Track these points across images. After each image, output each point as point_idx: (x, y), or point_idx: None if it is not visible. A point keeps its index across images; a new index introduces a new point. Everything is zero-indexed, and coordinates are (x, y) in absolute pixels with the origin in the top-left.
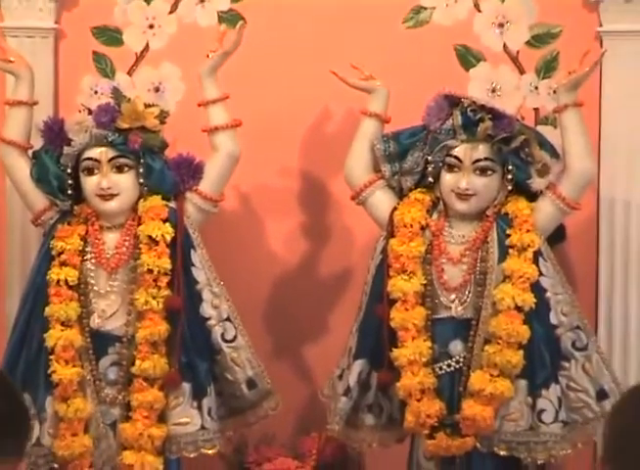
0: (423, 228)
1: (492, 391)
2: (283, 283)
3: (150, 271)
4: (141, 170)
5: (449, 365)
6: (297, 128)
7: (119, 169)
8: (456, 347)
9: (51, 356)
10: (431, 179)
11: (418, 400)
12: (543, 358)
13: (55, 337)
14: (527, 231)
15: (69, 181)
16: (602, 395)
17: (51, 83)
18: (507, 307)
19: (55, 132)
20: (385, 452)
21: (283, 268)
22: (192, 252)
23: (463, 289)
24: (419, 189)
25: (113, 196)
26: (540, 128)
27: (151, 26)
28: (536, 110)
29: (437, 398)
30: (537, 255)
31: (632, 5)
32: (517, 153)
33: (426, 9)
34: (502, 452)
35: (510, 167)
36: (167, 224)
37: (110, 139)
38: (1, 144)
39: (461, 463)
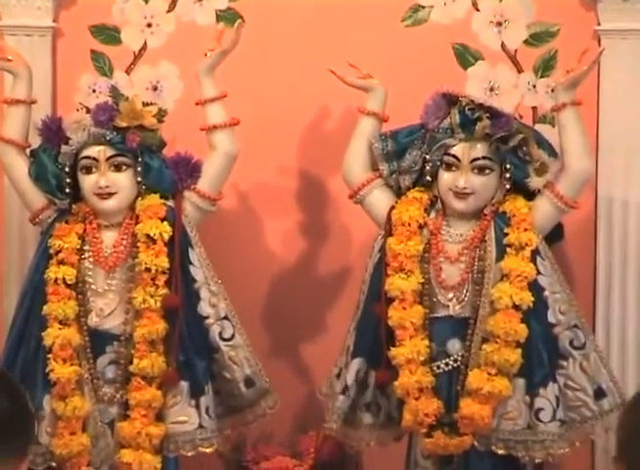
0: (421, 227)
1: (490, 389)
2: (281, 282)
3: (148, 270)
4: (139, 169)
5: (447, 364)
6: (295, 127)
7: (117, 168)
8: (454, 345)
9: (49, 355)
10: (428, 178)
11: (416, 399)
12: (541, 357)
13: (53, 335)
14: (525, 230)
15: (68, 180)
16: (600, 393)
17: (49, 82)
18: (505, 306)
19: (53, 131)
20: (382, 451)
21: (281, 267)
22: (190, 250)
23: (461, 288)
24: (417, 188)
25: (111, 194)
26: (538, 127)
27: (149, 25)
28: (534, 108)
29: (435, 396)
30: (535, 253)
31: (630, 4)
32: (515, 152)
33: (424, 7)
34: (500, 451)
35: (508, 166)
36: (165, 223)
37: (108, 138)
38: None
39: (459, 462)
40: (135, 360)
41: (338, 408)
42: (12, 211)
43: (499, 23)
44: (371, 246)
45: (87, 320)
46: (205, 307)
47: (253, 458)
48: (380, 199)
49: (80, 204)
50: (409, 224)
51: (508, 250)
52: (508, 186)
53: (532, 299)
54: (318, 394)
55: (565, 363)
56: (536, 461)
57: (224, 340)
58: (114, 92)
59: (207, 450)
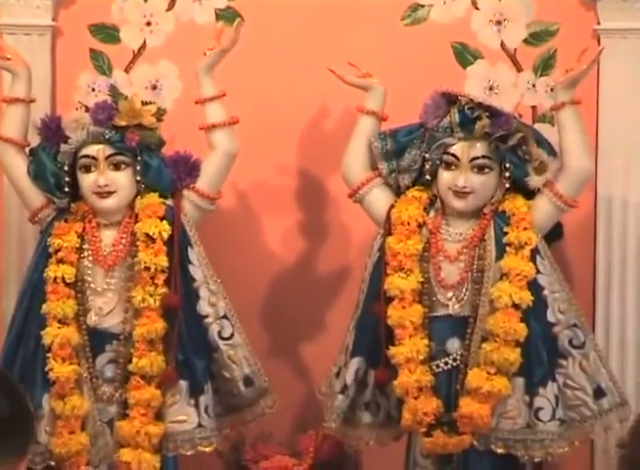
0: (420, 226)
1: (489, 389)
2: (280, 281)
3: (147, 269)
4: (138, 168)
5: (446, 363)
6: (294, 126)
7: (116, 167)
8: (453, 344)
9: (48, 354)
10: (428, 177)
11: (415, 398)
12: (540, 356)
13: (52, 334)
14: (525, 229)
15: (67, 179)
16: (599, 393)
17: (48, 81)
18: (504, 305)
19: (52, 130)
20: (382, 450)
21: (280, 266)
22: (189, 249)
23: (460, 287)
24: (416, 187)
25: (110, 193)
26: (538, 126)
27: (148, 24)
28: (534, 107)
29: (435, 395)
30: (534, 252)
31: (630, 3)
32: (514, 151)
33: (423, 6)
34: (499, 450)
35: (507, 165)
36: (164, 222)
37: (107, 137)
38: None
39: (458, 461)
40: (134, 359)
41: (337, 408)
42: (11, 209)
43: (499, 22)
44: (370, 245)
45: (86, 319)
46: (204, 307)
47: (253, 457)
48: (379, 198)
49: (79, 202)
50: (408, 223)
51: (507, 249)
52: (507, 185)
53: (532, 298)
54: (317, 393)
55: (564, 362)
56: (536, 460)
57: (223, 339)
58: (114, 91)
59: (207, 450)
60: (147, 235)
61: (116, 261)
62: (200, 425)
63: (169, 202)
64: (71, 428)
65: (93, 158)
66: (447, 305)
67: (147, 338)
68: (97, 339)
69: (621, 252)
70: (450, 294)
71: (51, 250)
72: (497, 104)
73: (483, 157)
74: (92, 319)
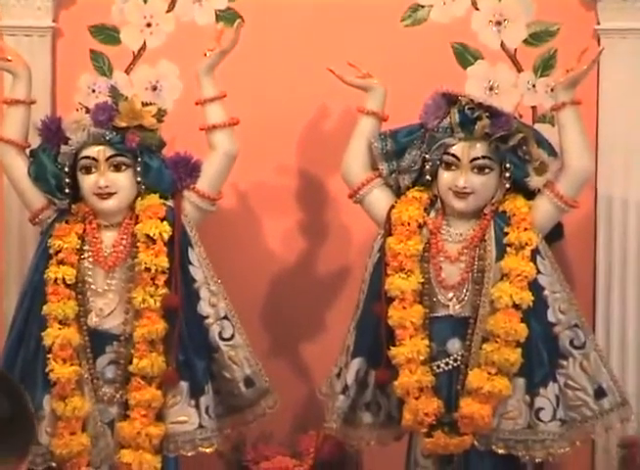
0: (420, 226)
1: (490, 389)
2: (281, 281)
3: (147, 270)
4: (138, 169)
5: (447, 364)
6: (294, 126)
7: (117, 168)
8: (454, 345)
9: (49, 355)
10: (428, 177)
11: (416, 399)
12: (541, 357)
13: (52, 335)
14: (525, 229)
15: (67, 180)
16: (600, 393)
17: (48, 82)
18: (505, 306)
19: (52, 131)
20: (383, 451)
21: (280, 267)
22: (189, 250)
23: (461, 287)
24: (416, 187)
25: (110, 194)
26: (538, 126)
27: (148, 25)
28: (534, 108)
29: (435, 396)
30: (535, 253)
31: (630, 3)
32: (514, 151)
33: (423, 7)
34: (500, 451)
35: (508, 166)
36: (165, 223)
37: (107, 138)
38: None
39: (459, 462)
40: (135, 360)
41: (338, 408)
42: (11, 211)
43: (499, 23)
44: (371, 245)
45: (87, 320)
46: (204, 307)
47: (253, 458)
48: (379, 198)
49: (80, 204)
50: (409, 224)
51: (508, 249)
52: (508, 185)
53: (532, 298)
54: (318, 393)
55: (565, 363)
56: (537, 461)
57: (224, 340)
58: (114, 92)
59: (207, 450)
60: (147, 236)
61: (117, 262)
62: (200, 426)
63: (170, 203)
64: (72, 429)
65: (93, 159)
66: (448, 306)
67: (147, 339)
68: (98, 340)
69: (622, 252)
70: (451, 294)
71: (51, 251)
72: (497, 104)
73: (484, 157)
74: (93, 320)
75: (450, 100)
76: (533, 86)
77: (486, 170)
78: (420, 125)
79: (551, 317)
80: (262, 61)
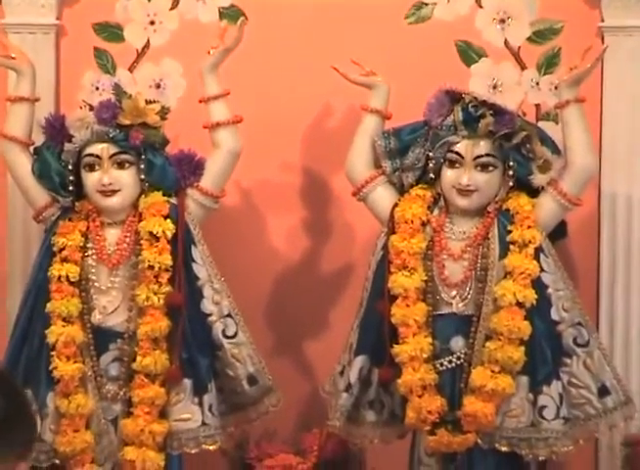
0: (424, 224)
1: (493, 387)
2: (284, 279)
3: (151, 267)
4: (142, 167)
5: (450, 361)
6: (298, 124)
7: (120, 166)
8: (457, 343)
9: (52, 353)
10: (432, 175)
11: (419, 397)
12: (544, 355)
13: (56, 333)
14: (529, 227)
15: (71, 177)
16: (603, 391)
17: (52, 79)
18: (508, 304)
19: (56, 128)
20: (386, 449)
21: (284, 264)
22: (193, 248)
23: (464, 285)
24: (420, 185)
25: (114, 192)
26: (542, 124)
27: (152, 23)
28: (538, 106)
29: (439, 394)
30: (538, 251)
31: (634, 1)
32: (518, 149)
33: (427, 5)
34: (503, 449)
35: (511, 163)
36: (168, 220)
37: (111, 135)
38: (3, 140)
39: (462, 460)
40: (138, 358)
41: (341, 406)
42: (15, 208)
43: (502, 21)
44: (374, 243)
45: (90, 318)
46: (208, 305)
47: (257, 456)
48: (383, 196)
49: (83, 201)
50: (412, 222)
51: (511, 247)
52: (511, 183)
53: (536, 296)
54: (321, 391)
55: (568, 361)
56: (540, 459)
57: (227, 337)
58: (118, 90)
59: (211, 448)
60: (151, 234)
61: (121, 260)
62: (204, 423)
63: (173, 200)
64: (76, 426)
65: (97, 156)
66: (451, 304)
67: (151, 336)
68: (101, 337)
69: (626, 249)
70: (454, 292)
71: (55, 249)
72: (501, 102)
73: (487, 155)
74: (96, 318)
75: (454, 98)
76: (537, 84)
77: (490, 168)
78: (423, 123)
79: (554, 315)
80: (266, 58)
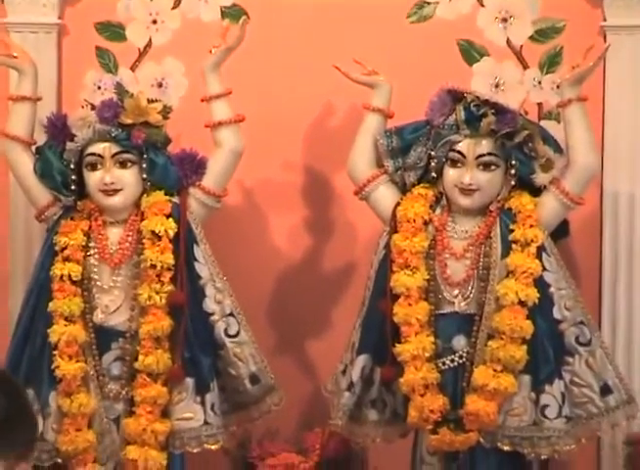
0: (426, 223)
1: (496, 386)
2: (286, 278)
3: (153, 267)
4: (144, 166)
5: (453, 360)
6: (300, 123)
7: (123, 165)
8: (459, 342)
9: (55, 352)
10: (434, 174)
11: (421, 396)
12: (547, 354)
13: (58, 332)
14: (531, 226)
15: (73, 177)
16: (606, 390)
17: (54, 79)
18: (510, 303)
19: (58, 128)
20: (388, 448)
21: (286, 263)
22: (195, 247)
23: (466, 284)
24: (422, 184)
25: (116, 191)
26: (544, 123)
27: (154, 22)
28: (540, 104)
29: (441, 393)
30: (541, 250)
31: (636, 0)
32: (520, 148)
33: (429, 4)
34: (506, 448)
35: (513, 162)
36: (170, 220)
37: (113, 134)
38: (5, 139)
39: (464, 458)
40: (140, 357)
41: (343, 405)
42: (17, 207)
43: (504, 19)
44: (376, 242)
45: (93, 317)
46: (210, 304)
47: (259, 455)
48: (385, 195)
49: (86, 200)
50: (414, 221)
51: (513, 246)
52: (513, 182)
53: (538, 295)
54: (323, 390)
55: (570, 360)
56: (542, 458)
57: (229, 336)
58: (119, 89)
59: (213, 447)
60: (153, 233)
61: (123, 259)
62: (206, 422)
63: (175, 199)
64: (78, 425)
65: (99, 156)
66: (453, 303)
67: (153, 335)
68: (103, 336)
69: (628, 248)
70: (456, 291)
71: (57, 248)
72: (503, 101)
73: (489, 154)
74: (98, 317)
75: (456, 97)
76: (539, 83)
77: (492, 167)
78: (426, 122)
79: (557, 314)
80: (268, 57)
